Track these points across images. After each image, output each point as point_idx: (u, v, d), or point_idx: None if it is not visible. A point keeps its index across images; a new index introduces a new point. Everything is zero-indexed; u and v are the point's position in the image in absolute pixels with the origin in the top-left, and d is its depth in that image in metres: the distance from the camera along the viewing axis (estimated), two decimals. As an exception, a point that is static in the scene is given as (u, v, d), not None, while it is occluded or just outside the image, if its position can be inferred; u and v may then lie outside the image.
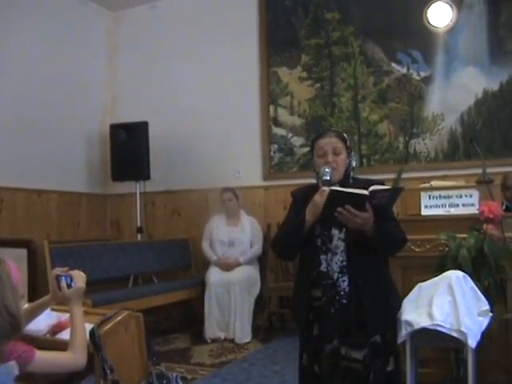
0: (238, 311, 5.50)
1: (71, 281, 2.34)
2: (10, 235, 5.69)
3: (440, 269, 3.52)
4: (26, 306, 2.48)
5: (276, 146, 6.32)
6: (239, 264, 5.69)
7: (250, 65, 6.38)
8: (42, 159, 6.07)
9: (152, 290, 5.50)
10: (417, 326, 2.92)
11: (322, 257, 2.78)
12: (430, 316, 2.93)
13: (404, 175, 5.52)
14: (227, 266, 5.69)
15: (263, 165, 6.35)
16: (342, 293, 2.73)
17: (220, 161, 6.43)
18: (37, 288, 4.65)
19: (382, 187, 2.67)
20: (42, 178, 6.09)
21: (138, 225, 6.50)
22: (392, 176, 5.60)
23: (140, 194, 6.54)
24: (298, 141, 6.23)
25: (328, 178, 2.75)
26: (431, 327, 2.90)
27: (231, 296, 5.53)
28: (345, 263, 2.75)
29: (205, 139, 6.52)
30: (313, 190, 2.88)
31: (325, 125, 6.05)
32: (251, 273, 5.70)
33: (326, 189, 2.68)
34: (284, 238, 2.93)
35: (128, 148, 6.33)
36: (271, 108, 6.34)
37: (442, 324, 2.88)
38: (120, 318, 2.41)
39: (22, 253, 4.65)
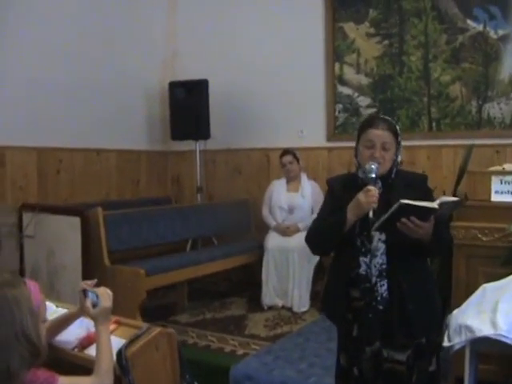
0: (296, 279, 5.38)
1: (97, 298, 2.22)
2: (69, 196, 5.71)
3: (508, 263, 3.30)
4: (55, 317, 2.39)
5: (341, 106, 6.03)
6: (298, 230, 5.52)
7: (314, 20, 6.04)
8: (99, 118, 5.97)
9: (208, 255, 5.40)
10: (478, 334, 2.73)
11: (362, 259, 2.63)
12: (494, 324, 2.72)
13: (476, 142, 5.25)
14: (286, 232, 5.55)
15: (327, 125, 6.09)
16: (378, 298, 2.60)
17: (282, 120, 6.23)
18: (90, 258, 4.61)
19: (450, 199, 2.53)
20: (100, 136, 6.01)
21: (198, 184, 6.39)
22: (462, 142, 5.35)
23: (200, 151, 6.42)
24: (364, 101, 5.92)
25: (374, 175, 2.58)
26: (494, 337, 2.70)
27: (290, 263, 5.41)
28: (384, 266, 2.60)
29: (267, 97, 6.29)
30: (352, 180, 2.73)
31: (393, 85, 5.74)
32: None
33: (372, 188, 2.53)
34: (321, 234, 2.75)
35: (187, 106, 6.16)
36: (336, 66, 6.02)
37: (505, 334, 2.68)
38: (151, 336, 2.28)
39: (76, 221, 4.61)
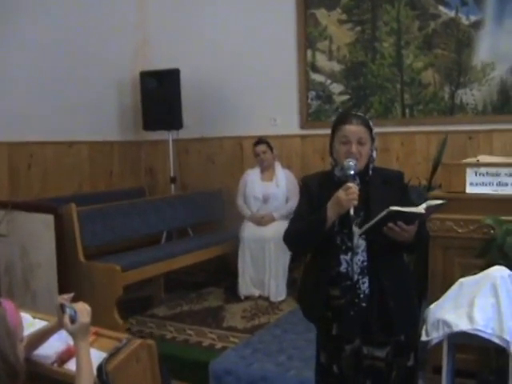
0: (272, 268, 5.39)
1: (75, 313, 2.18)
2: (41, 190, 5.63)
3: (483, 254, 3.33)
4: (32, 331, 2.35)
5: (314, 93, 6.01)
6: (273, 220, 5.51)
7: (286, 6, 5.98)
8: (70, 110, 5.87)
9: (184, 248, 5.38)
10: (456, 329, 2.77)
11: (343, 257, 2.62)
12: (471, 319, 2.75)
13: (449, 128, 5.30)
14: (261, 222, 5.53)
15: (300, 112, 6.07)
16: (361, 295, 2.60)
17: (255, 108, 6.20)
18: (64, 254, 4.56)
19: (436, 203, 2.54)
20: (72, 129, 5.91)
21: (172, 175, 6.34)
22: (435, 128, 5.38)
23: (173, 141, 6.35)
24: (336, 88, 5.90)
25: (353, 172, 2.57)
26: (471, 331, 2.72)
27: (265, 253, 5.41)
28: (365, 263, 2.60)
29: (239, 85, 6.25)
30: (328, 179, 2.72)
31: (365, 71, 5.73)
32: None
33: (351, 185, 2.51)
34: (301, 234, 2.71)
35: (159, 96, 6.10)
36: (309, 53, 5.98)
37: (482, 329, 2.71)
38: (131, 349, 2.25)
39: (49, 218, 4.54)
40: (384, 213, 2.39)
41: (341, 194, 2.53)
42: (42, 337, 2.32)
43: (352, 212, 2.52)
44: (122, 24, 6.49)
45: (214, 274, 6.19)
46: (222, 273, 6.07)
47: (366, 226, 2.48)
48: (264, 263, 5.41)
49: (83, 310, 2.20)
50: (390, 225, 2.42)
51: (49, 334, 2.33)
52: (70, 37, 5.87)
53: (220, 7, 6.30)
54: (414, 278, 2.93)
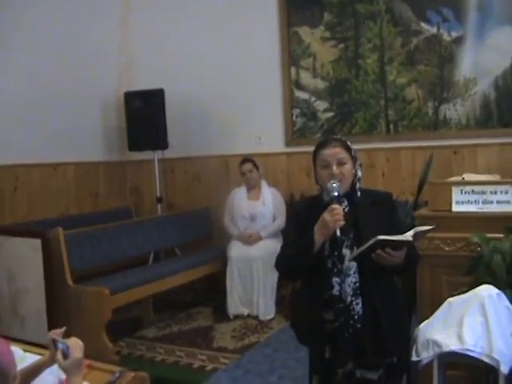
0: (261, 287, 5.39)
1: (68, 349, 2.16)
2: (27, 213, 5.60)
3: (470, 272, 3.34)
4: (25, 366, 2.32)
5: (298, 111, 6.03)
6: (261, 238, 5.52)
7: (269, 25, 6.02)
8: (55, 131, 5.87)
9: (172, 268, 5.35)
10: (445, 349, 2.77)
11: (335, 279, 2.63)
12: (460, 338, 2.75)
13: (434, 143, 5.35)
14: (248, 241, 5.53)
15: (285, 130, 6.08)
16: (356, 317, 2.61)
17: (240, 126, 6.22)
18: (52, 278, 4.53)
19: (423, 229, 2.56)
20: (57, 150, 5.90)
21: (158, 194, 6.33)
22: (420, 144, 5.41)
23: (159, 160, 6.34)
24: (321, 105, 5.92)
25: (337, 193, 2.59)
26: (460, 351, 2.73)
27: (253, 272, 5.42)
28: (358, 285, 2.62)
29: (224, 104, 6.27)
30: (316, 202, 2.74)
31: (349, 88, 5.75)
32: (274, 247, 5.43)
33: (336, 206, 2.54)
34: (290, 259, 2.72)
35: (144, 117, 6.09)
36: (293, 70, 6.01)
37: (472, 348, 2.71)
38: (125, 382, 2.24)
39: (36, 243, 4.52)
40: (371, 241, 2.41)
41: (326, 215, 2.55)
42: (34, 372, 2.30)
43: (338, 233, 2.54)
44: (106, 45, 6.50)
45: (203, 292, 6.17)
46: (211, 292, 6.06)
47: (355, 253, 2.52)
48: (252, 282, 5.42)
49: (76, 345, 2.18)
50: (379, 251, 2.44)
51: (41, 369, 2.30)
52: (54, 58, 5.87)
53: (203, 27, 6.31)
54: (403, 298, 2.94)
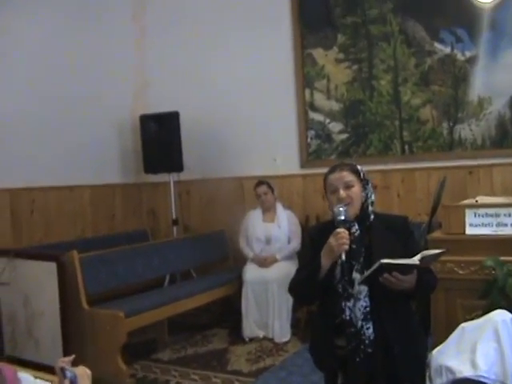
0: (276, 310, 5.35)
1: (75, 378, 2.16)
2: (44, 236, 5.64)
3: (484, 296, 3.31)
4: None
5: (313, 132, 6.03)
6: (276, 261, 5.51)
7: (283, 47, 6.05)
8: (71, 154, 5.94)
9: (187, 291, 5.33)
10: (459, 375, 2.72)
11: (345, 304, 2.64)
12: (474, 364, 2.71)
13: (449, 163, 5.33)
14: (263, 263, 5.52)
15: (300, 152, 6.08)
16: (366, 341, 2.60)
17: (255, 148, 6.23)
18: (67, 302, 4.55)
19: (432, 253, 2.53)
20: (73, 173, 5.96)
21: (174, 217, 6.35)
22: (435, 164, 5.39)
23: (174, 183, 6.37)
24: (336, 126, 5.92)
25: (343, 217, 2.62)
26: (474, 378, 2.69)
27: (269, 294, 5.38)
28: (368, 309, 2.61)
29: (239, 126, 6.28)
30: (329, 227, 2.73)
31: (364, 109, 5.75)
32: (289, 269, 5.45)
33: (341, 230, 2.57)
34: (300, 284, 2.79)
35: (159, 139, 6.14)
36: (307, 92, 6.02)
37: (486, 375, 2.67)
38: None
39: (52, 266, 4.55)
40: (376, 265, 2.41)
41: (331, 240, 2.58)
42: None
43: (344, 257, 2.54)
44: (122, 67, 6.56)
45: (219, 315, 6.15)
46: (227, 314, 6.03)
47: (362, 277, 2.51)
48: (267, 304, 5.39)
49: (83, 374, 2.18)
50: (386, 275, 2.43)
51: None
52: (70, 81, 5.93)
53: (218, 49, 6.37)
54: (418, 322, 2.90)
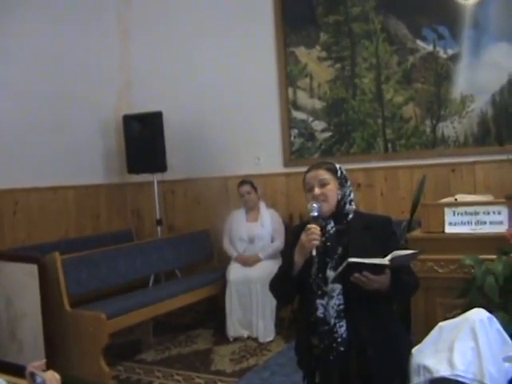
0: (260, 309, 5.35)
1: (44, 383, 2.15)
2: (27, 237, 5.60)
3: (463, 295, 3.32)
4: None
5: (296, 131, 6.01)
6: (259, 260, 5.50)
7: (266, 45, 6.03)
8: (55, 155, 5.90)
9: (170, 292, 5.32)
10: (436, 374, 2.71)
11: (319, 301, 2.62)
12: (451, 364, 2.70)
13: (431, 161, 5.33)
14: (247, 263, 5.52)
15: (283, 151, 6.06)
16: (339, 339, 2.57)
17: (239, 147, 6.21)
18: (49, 303, 4.53)
19: (402, 253, 2.50)
20: (57, 173, 5.91)
21: (158, 217, 6.33)
22: (418, 162, 5.39)
23: (158, 182, 6.34)
24: (319, 125, 5.90)
25: (316, 213, 2.62)
26: (451, 377, 2.69)
27: (252, 294, 5.37)
28: (342, 307, 2.59)
29: (223, 125, 6.27)
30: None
31: (346, 108, 5.74)
32: (273, 268, 5.36)
33: (311, 226, 2.57)
34: (277, 281, 2.81)
35: (142, 140, 6.11)
36: (290, 90, 6.00)
37: (463, 374, 2.66)
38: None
39: (33, 268, 4.52)
40: (344, 264, 2.41)
41: (302, 236, 2.60)
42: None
43: (314, 253, 2.54)
44: (105, 67, 6.53)
45: (204, 315, 6.15)
46: (212, 314, 6.02)
47: (333, 275, 2.51)
48: (251, 304, 5.38)
49: (52, 379, 2.18)
50: (356, 275, 2.42)
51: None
52: (52, 81, 5.88)
53: (202, 49, 6.34)
54: (402, 324, 2.88)
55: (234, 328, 5.41)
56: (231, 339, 5.38)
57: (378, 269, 2.43)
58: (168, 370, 4.76)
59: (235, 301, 5.43)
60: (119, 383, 4.55)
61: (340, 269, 2.46)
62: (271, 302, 5.34)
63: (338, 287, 2.59)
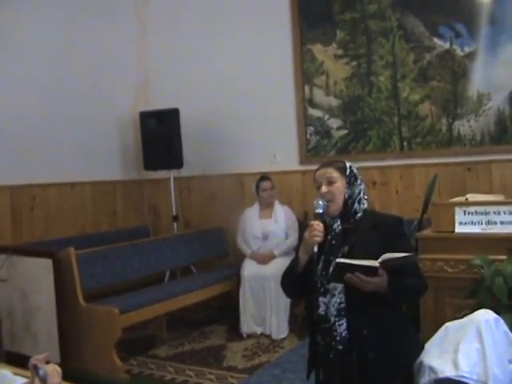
0: (273, 306, 5.37)
1: (46, 375, 2.18)
2: (44, 233, 5.67)
3: (472, 295, 3.30)
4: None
5: (312, 129, 6.01)
6: (274, 257, 5.51)
7: (282, 43, 6.03)
8: (72, 150, 5.96)
9: (185, 287, 5.36)
10: (441, 375, 2.70)
11: (321, 299, 2.63)
12: (456, 365, 2.69)
13: (447, 160, 5.30)
14: (261, 260, 5.53)
15: (299, 148, 6.06)
16: (337, 338, 2.57)
17: (255, 145, 6.23)
18: (64, 298, 4.59)
19: (394, 255, 2.44)
20: (74, 169, 5.98)
21: (174, 213, 6.36)
22: (433, 160, 5.36)
23: (174, 179, 6.38)
24: (334, 123, 5.90)
25: (321, 211, 2.63)
26: (456, 378, 2.68)
27: (266, 291, 5.39)
28: (343, 305, 2.58)
29: (239, 122, 6.29)
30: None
31: (363, 106, 5.72)
32: (287, 265, 5.51)
33: (314, 222, 2.58)
34: (283, 277, 2.84)
35: (159, 136, 6.14)
36: (306, 88, 6.00)
37: (467, 375, 2.65)
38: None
39: (48, 263, 4.58)
40: (333, 264, 2.41)
41: (305, 233, 2.61)
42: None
43: (315, 249, 2.54)
44: (122, 64, 6.59)
45: (218, 310, 6.17)
46: (226, 310, 6.05)
47: (329, 274, 2.51)
48: (265, 301, 5.40)
49: (53, 371, 2.21)
50: (348, 275, 2.42)
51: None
52: (71, 78, 5.95)
53: (218, 46, 6.37)
54: (408, 327, 2.84)
55: (247, 324, 5.43)
56: (245, 336, 5.40)
57: (371, 270, 2.41)
58: (180, 366, 4.80)
59: (249, 297, 5.45)
60: (132, 377, 4.59)
61: (330, 269, 2.46)
62: (285, 299, 5.33)
63: (339, 286, 2.58)
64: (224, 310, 6.09)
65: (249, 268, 5.53)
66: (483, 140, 5.25)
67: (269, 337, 5.35)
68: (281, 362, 4.75)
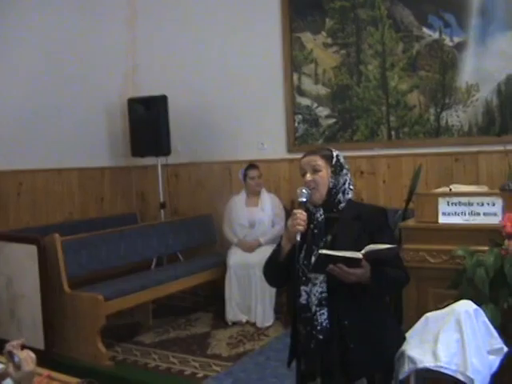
0: (259, 295, 5.38)
1: (20, 361, 2.18)
2: (31, 219, 5.66)
3: (454, 286, 3.30)
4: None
5: (300, 117, 5.99)
6: (259, 245, 5.51)
7: (271, 31, 5.99)
8: (60, 137, 5.94)
9: (171, 275, 5.36)
10: (420, 365, 2.72)
11: (303, 288, 2.61)
12: (435, 355, 2.71)
13: (435, 150, 5.29)
14: (247, 248, 5.53)
15: (287, 136, 6.05)
16: (318, 327, 2.55)
17: (243, 132, 6.22)
18: (48, 284, 4.58)
19: (377, 247, 2.43)
20: (61, 155, 5.96)
21: (161, 200, 6.35)
22: (421, 150, 5.35)
23: (162, 166, 6.37)
24: (323, 111, 5.88)
25: (304, 199, 2.60)
26: (434, 368, 2.69)
27: (252, 279, 5.41)
28: (324, 295, 2.55)
29: (227, 110, 6.28)
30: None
31: (351, 94, 5.71)
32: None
33: (297, 211, 2.55)
34: (266, 265, 2.80)
35: (147, 123, 6.12)
36: (295, 76, 5.97)
37: (446, 366, 2.67)
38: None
39: (33, 249, 4.56)
40: (315, 255, 2.40)
41: (288, 222, 2.59)
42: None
43: (298, 238, 2.53)
44: (111, 51, 6.54)
45: (205, 298, 6.19)
46: (212, 297, 6.06)
47: (311, 265, 2.51)
48: (250, 289, 5.41)
49: (27, 357, 2.20)
50: (331, 266, 2.41)
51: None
52: (59, 64, 5.93)
53: (207, 33, 6.34)
54: (389, 321, 2.83)
55: (232, 312, 5.44)
56: (230, 323, 5.41)
57: (353, 261, 2.41)
58: (164, 353, 4.80)
59: (234, 285, 5.46)
60: (116, 364, 4.59)
61: (313, 258, 2.45)
62: (270, 288, 5.30)
63: (321, 275, 2.58)
64: (210, 298, 6.11)
65: (235, 256, 5.53)
66: (471, 131, 5.25)
67: (254, 325, 5.36)
68: (265, 350, 4.76)
